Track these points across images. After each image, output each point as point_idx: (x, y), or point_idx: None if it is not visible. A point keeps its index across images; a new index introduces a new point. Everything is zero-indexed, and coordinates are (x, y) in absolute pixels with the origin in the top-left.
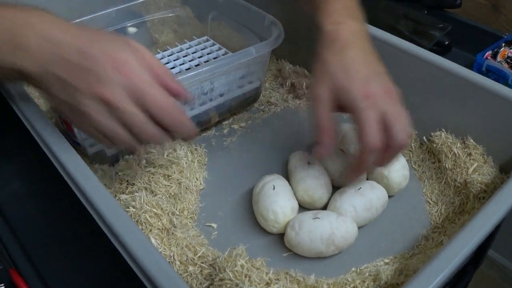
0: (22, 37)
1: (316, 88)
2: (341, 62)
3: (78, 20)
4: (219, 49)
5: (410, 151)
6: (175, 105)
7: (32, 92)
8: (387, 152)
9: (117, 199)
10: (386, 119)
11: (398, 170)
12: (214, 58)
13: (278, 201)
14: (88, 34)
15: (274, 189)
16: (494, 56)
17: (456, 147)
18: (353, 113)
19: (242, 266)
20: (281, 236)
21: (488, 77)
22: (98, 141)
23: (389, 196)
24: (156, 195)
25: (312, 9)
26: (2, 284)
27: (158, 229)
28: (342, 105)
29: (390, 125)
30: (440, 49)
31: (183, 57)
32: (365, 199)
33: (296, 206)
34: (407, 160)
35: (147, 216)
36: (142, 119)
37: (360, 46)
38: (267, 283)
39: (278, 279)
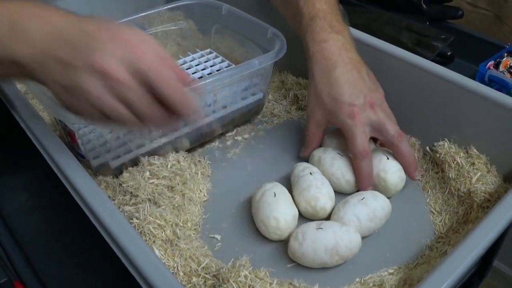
0: (22, 24)
1: (310, 110)
2: (328, 85)
3: None
4: (222, 61)
5: None
6: (179, 82)
7: (37, 105)
8: (395, 148)
9: (121, 211)
10: (374, 126)
11: (395, 172)
12: (217, 71)
13: (280, 208)
14: (89, 18)
15: (275, 196)
16: (497, 66)
17: (460, 157)
18: (343, 130)
19: (245, 276)
20: (284, 245)
21: (491, 87)
22: (98, 122)
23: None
24: (159, 206)
25: (296, 27)
26: None
27: (162, 240)
28: (333, 123)
29: (380, 128)
30: (443, 60)
31: (187, 69)
32: (368, 209)
33: (297, 213)
34: None
35: (151, 228)
36: (142, 94)
37: (344, 61)
38: None
39: None
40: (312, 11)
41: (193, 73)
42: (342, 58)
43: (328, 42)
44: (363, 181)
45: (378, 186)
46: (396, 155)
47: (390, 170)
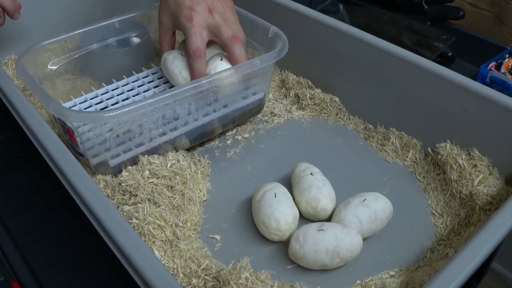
0: None
1: (159, 16)
2: None
3: (81, 30)
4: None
5: (415, 162)
6: None
7: (35, 102)
8: (228, 52)
9: (120, 210)
10: (211, 29)
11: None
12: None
13: (280, 208)
14: None
15: (275, 196)
16: (498, 67)
17: (461, 159)
18: (183, 33)
19: (246, 278)
20: (284, 247)
21: (492, 88)
22: None
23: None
24: (159, 206)
25: None
26: None
27: (162, 241)
28: (176, 27)
29: (216, 31)
30: (444, 61)
31: None
32: (370, 210)
33: (298, 214)
34: (412, 172)
35: (150, 228)
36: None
37: None
38: None
39: None
40: None
41: None
42: None
43: None
44: (195, 78)
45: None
46: (229, 58)
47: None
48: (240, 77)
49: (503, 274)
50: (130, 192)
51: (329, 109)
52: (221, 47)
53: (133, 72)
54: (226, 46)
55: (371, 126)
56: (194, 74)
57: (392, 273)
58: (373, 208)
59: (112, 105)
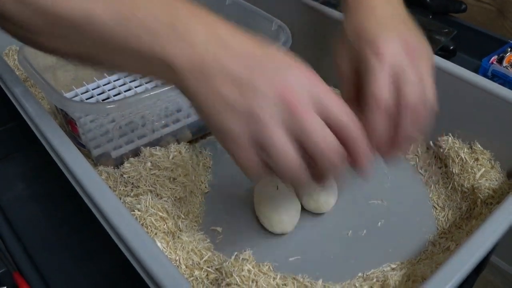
0: (188, 29)
1: (336, 62)
2: (356, 22)
3: None
4: None
5: (417, 155)
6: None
7: (36, 92)
8: (401, 121)
9: (122, 202)
10: (399, 79)
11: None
12: None
13: (282, 201)
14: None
15: (277, 189)
16: (500, 61)
17: (463, 152)
18: (365, 77)
19: (249, 271)
20: (286, 239)
21: (494, 82)
22: (251, 171)
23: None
24: (161, 198)
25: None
26: (5, 287)
27: (164, 232)
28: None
29: (401, 82)
30: (445, 54)
31: None
32: None
33: (300, 206)
34: (414, 165)
35: (153, 220)
36: (330, 142)
37: (385, 8)
38: None
39: (285, 284)
40: None
41: None
42: (384, 5)
43: None
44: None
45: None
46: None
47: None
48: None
49: (501, 268)
50: (132, 183)
51: None
52: None
53: None
54: (405, 115)
55: None
56: (375, 135)
57: (393, 266)
58: None
59: (114, 96)
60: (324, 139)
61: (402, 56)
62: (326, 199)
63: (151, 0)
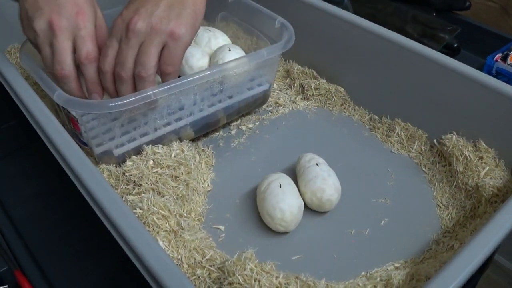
0: None
1: None
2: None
3: None
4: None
5: (420, 154)
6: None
7: (38, 90)
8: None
9: (124, 200)
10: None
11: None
12: None
13: (286, 199)
14: None
15: (280, 187)
16: (504, 58)
17: (468, 150)
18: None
19: (251, 270)
20: (289, 237)
21: (498, 79)
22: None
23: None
24: (163, 196)
25: None
26: (7, 285)
27: (166, 231)
28: None
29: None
30: (449, 52)
31: None
32: None
33: (303, 205)
34: (417, 163)
35: (155, 218)
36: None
37: None
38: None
39: (288, 283)
40: None
41: None
42: None
43: None
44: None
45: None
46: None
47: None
48: (246, 68)
49: (505, 267)
50: (134, 182)
51: (334, 99)
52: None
53: None
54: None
55: (376, 117)
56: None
57: (397, 264)
58: None
59: None
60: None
61: (123, 29)
62: (329, 198)
63: None
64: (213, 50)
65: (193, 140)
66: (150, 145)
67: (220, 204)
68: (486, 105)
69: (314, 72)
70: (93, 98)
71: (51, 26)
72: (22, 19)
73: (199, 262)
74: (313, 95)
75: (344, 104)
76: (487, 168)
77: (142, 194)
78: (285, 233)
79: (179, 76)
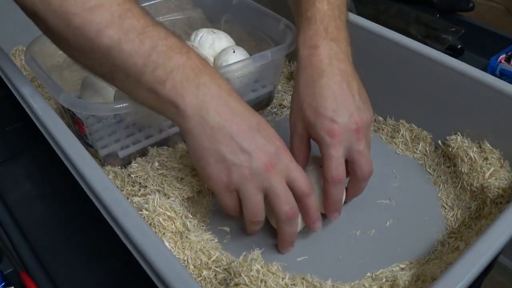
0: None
1: (292, 121)
2: (311, 96)
3: None
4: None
5: (425, 155)
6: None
7: (43, 92)
8: (354, 185)
9: (130, 202)
10: (350, 156)
11: None
12: None
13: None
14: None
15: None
16: (508, 59)
17: (472, 151)
18: (320, 149)
19: (257, 270)
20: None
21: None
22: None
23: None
24: (169, 197)
25: (296, 27)
26: (13, 287)
27: (172, 232)
28: (313, 138)
29: (354, 160)
30: (453, 53)
31: None
32: None
33: None
34: (422, 164)
35: (161, 219)
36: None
37: (333, 72)
38: None
39: (294, 284)
40: (310, 9)
41: None
42: (332, 68)
43: (318, 49)
44: (330, 206)
45: None
46: (352, 192)
47: None
48: (250, 69)
49: (510, 268)
50: (140, 183)
51: None
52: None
53: None
54: (359, 179)
55: (381, 118)
56: (328, 202)
57: (402, 265)
58: None
59: None
60: (285, 197)
61: (351, 133)
62: None
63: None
64: (217, 52)
65: None
66: (155, 147)
67: None
68: (490, 106)
69: None
70: (316, 227)
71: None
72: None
73: (205, 263)
74: None
75: None
76: (492, 169)
77: (148, 196)
78: None
79: None
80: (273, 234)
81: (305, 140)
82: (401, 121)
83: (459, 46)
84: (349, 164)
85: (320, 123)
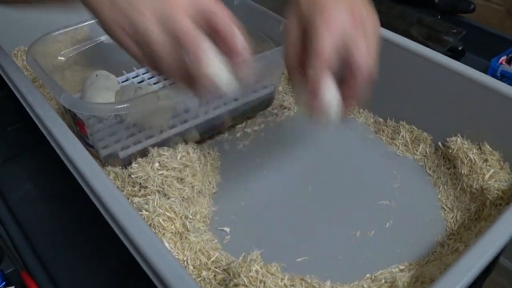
0: None
1: (288, 21)
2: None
3: (91, 22)
4: None
5: (425, 156)
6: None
7: (45, 93)
8: (349, 80)
9: (130, 202)
10: (344, 44)
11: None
12: None
13: None
14: None
15: None
16: (509, 61)
17: (472, 153)
18: (310, 36)
19: (257, 271)
20: (294, 239)
21: (503, 82)
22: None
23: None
24: (169, 198)
25: None
26: (13, 286)
27: (171, 233)
28: (307, 33)
29: (348, 47)
30: (454, 55)
31: None
32: None
33: None
34: (422, 166)
35: (160, 220)
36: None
37: None
38: None
39: (293, 285)
40: None
41: None
42: None
43: None
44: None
45: None
46: (348, 92)
47: None
48: (251, 70)
49: (510, 270)
50: (140, 184)
51: None
52: None
53: None
54: (355, 74)
55: (381, 119)
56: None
57: (402, 267)
58: None
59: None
60: (187, 29)
61: (349, 25)
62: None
63: None
64: None
65: (198, 142)
66: (156, 147)
67: (225, 206)
68: (491, 108)
69: None
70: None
71: None
72: None
73: (204, 264)
74: None
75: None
76: (492, 170)
77: (148, 196)
78: (290, 234)
79: None
80: (272, 235)
81: (299, 45)
82: (401, 122)
83: (460, 48)
84: (344, 55)
85: (313, 11)
